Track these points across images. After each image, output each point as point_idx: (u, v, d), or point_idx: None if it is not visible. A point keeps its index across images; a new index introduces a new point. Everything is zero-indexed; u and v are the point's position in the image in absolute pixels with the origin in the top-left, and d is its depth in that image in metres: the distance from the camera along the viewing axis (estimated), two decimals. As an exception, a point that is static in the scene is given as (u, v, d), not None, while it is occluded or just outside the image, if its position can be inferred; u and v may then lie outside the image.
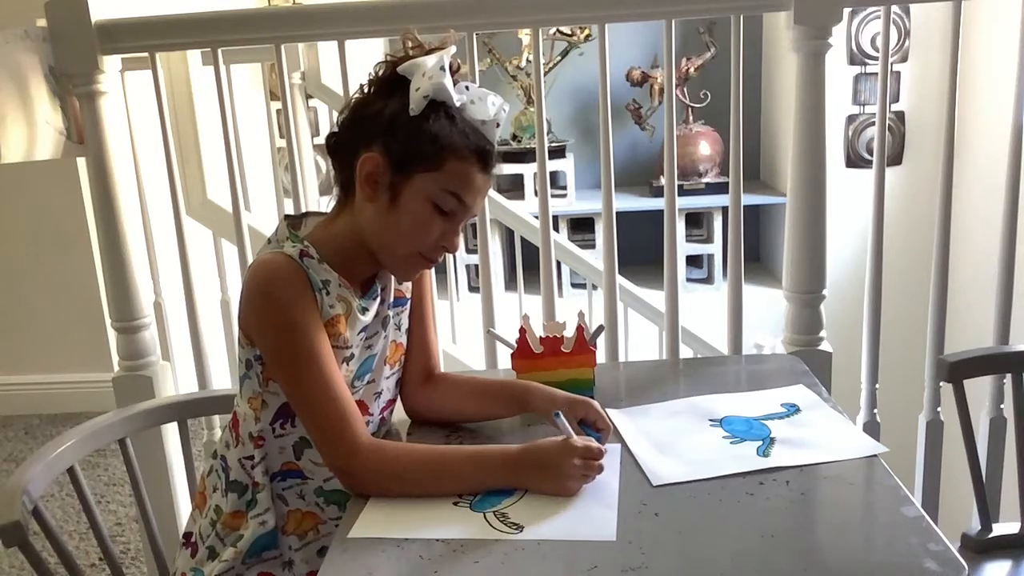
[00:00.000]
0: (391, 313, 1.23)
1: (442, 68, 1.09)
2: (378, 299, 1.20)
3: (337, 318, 1.13)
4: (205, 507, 1.22)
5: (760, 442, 1.16)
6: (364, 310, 1.17)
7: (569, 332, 1.33)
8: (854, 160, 3.40)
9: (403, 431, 1.30)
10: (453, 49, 1.13)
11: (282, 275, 1.09)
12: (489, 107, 1.14)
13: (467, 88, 1.13)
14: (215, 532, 1.18)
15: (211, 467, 1.24)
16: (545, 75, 3.07)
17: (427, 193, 1.11)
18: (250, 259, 1.77)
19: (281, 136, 2.86)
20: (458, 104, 1.11)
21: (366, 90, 1.15)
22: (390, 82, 1.12)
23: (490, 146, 1.14)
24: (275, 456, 1.17)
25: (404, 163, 1.10)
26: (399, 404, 1.32)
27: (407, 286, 1.27)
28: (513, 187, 3.76)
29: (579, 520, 1.00)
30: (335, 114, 2.15)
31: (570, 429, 1.09)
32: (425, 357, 1.31)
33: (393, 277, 1.23)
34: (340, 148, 1.15)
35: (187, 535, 1.24)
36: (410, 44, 1.13)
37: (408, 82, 1.10)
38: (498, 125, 1.16)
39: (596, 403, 1.17)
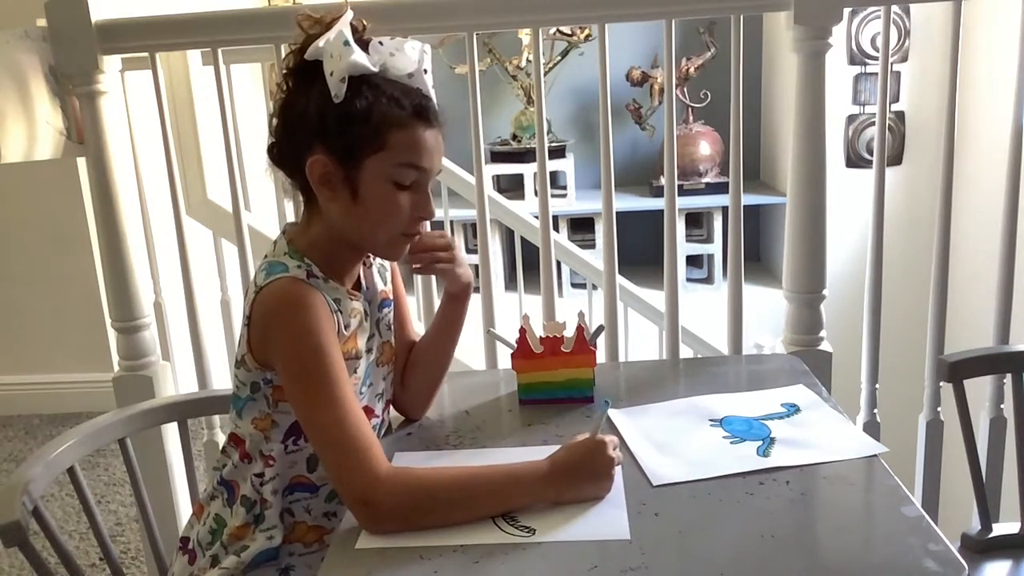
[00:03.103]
0: (380, 315, 1.23)
1: (345, 43, 1.04)
2: (364, 298, 1.20)
3: (354, 333, 1.13)
4: (203, 514, 1.20)
5: (760, 442, 1.16)
6: (366, 314, 1.17)
7: (569, 332, 1.33)
8: (854, 160, 3.39)
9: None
10: (350, 14, 1.07)
11: (304, 300, 1.05)
12: (410, 54, 1.08)
13: (381, 44, 1.07)
14: (220, 542, 1.16)
15: (210, 479, 1.22)
16: (545, 75, 3.07)
17: (383, 174, 1.07)
18: (250, 259, 1.77)
19: (281, 136, 2.85)
20: (377, 68, 1.06)
21: (284, 87, 1.10)
22: (303, 72, 1.07)
23: (426, 99, 1.09)
24: (285, 473, 1.14)
25: (349, 154, 1.06)
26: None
27: (389, 288, 1.27)
28: (513, 187, 3.76)
29: (591, 521, 1.00)
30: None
31: (598, 425, 1.08)
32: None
33: (374, 270, 1.23)
34: (284, 158, 1.12)
35: (184, 540, 1.22)
36: (307, 24, 1.08)
37: (320, 65, 1.05)
38: (426, 71, 1.10)
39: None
